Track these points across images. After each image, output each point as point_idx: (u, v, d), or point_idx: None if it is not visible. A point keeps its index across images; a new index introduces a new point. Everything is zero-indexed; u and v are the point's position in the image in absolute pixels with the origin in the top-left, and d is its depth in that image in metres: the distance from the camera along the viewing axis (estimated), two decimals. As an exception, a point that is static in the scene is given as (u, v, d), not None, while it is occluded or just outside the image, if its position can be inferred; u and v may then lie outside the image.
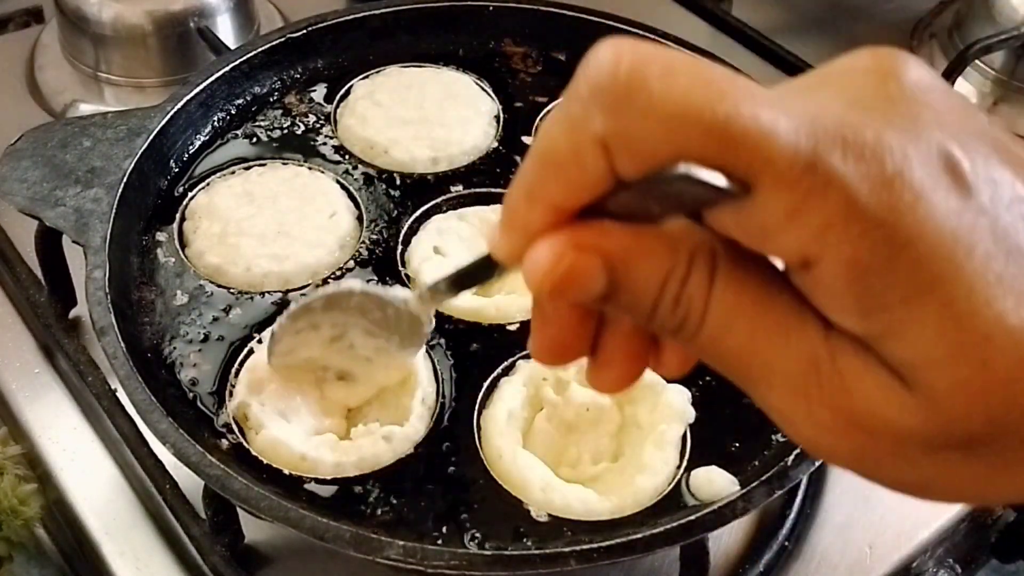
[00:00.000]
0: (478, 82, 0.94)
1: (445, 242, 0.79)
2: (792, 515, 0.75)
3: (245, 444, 0.66)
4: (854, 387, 0.33)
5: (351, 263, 0.77)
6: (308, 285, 0.75)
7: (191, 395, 0.69)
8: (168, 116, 0.81)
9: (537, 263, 0.35)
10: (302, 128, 0.88)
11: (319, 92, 0.92)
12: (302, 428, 0.67)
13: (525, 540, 0.62)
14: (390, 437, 0.66)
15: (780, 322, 0.34)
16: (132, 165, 0.76)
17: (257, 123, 0.88)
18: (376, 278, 0.76)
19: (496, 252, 0.38)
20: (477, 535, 0.62)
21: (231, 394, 0.68)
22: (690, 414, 0.68)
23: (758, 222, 0.32)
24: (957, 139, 0.32)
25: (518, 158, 0.87)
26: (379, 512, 0.63)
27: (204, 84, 0.85)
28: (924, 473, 0.35)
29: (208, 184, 0.82)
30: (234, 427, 0.67)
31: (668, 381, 0.52)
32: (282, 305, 0.74)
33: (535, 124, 0.90)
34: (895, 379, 0.33)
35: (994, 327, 0.31)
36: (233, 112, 0.88)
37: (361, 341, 0.63)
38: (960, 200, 0.31)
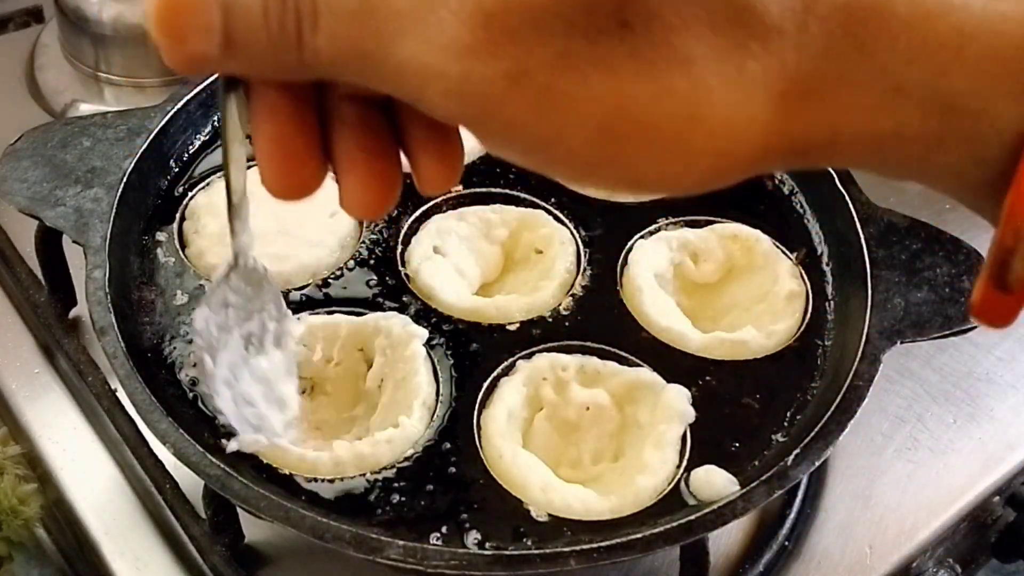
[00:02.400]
0: (478, 82, 0.93)
1: (445, 242, 0.79)
2: (792, 515, 0.75)
3: (245, 444, 0.66)
4: None
5: (351, 263, 0.77)
6: (308, 285, 0.75)
7: (191, 395, 0.68)
8: (168, 116, 0.81)
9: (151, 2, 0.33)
10: (302, 128, 0.88)
11: (319, 92, 0.91)
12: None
13: (525, 540, 0.62)
14: (390, 438, 0.66)
15: None
16: (132, 165, 0.76)
17: (257, 123, 0.88)
18: (376, 278, 0.76)
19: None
20: (477, 535, 0.62)
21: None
22: (690, 414, 0.68)
23: None
24: None
25: (518, 158, 0.87)
26: (379, 512, 0.63)
27: (204, 84, 0.85)
28: (602, 93, 0.31)
29: (208, 184, 0.82)
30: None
31: (429, 194, 0.45)
32: (282, 305, 0.74)
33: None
34: None
35: None
36: (233, 112, 0.88)
37: None
38: None
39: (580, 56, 0.30)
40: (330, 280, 0.76)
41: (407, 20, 0.31)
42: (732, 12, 0.31)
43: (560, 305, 0.76)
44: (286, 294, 0.75)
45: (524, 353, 0.72)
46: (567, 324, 0.75)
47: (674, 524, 0.61)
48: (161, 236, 0.78)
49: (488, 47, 0.30)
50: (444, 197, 0.83)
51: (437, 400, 0.69)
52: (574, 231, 0.81)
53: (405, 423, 0.67)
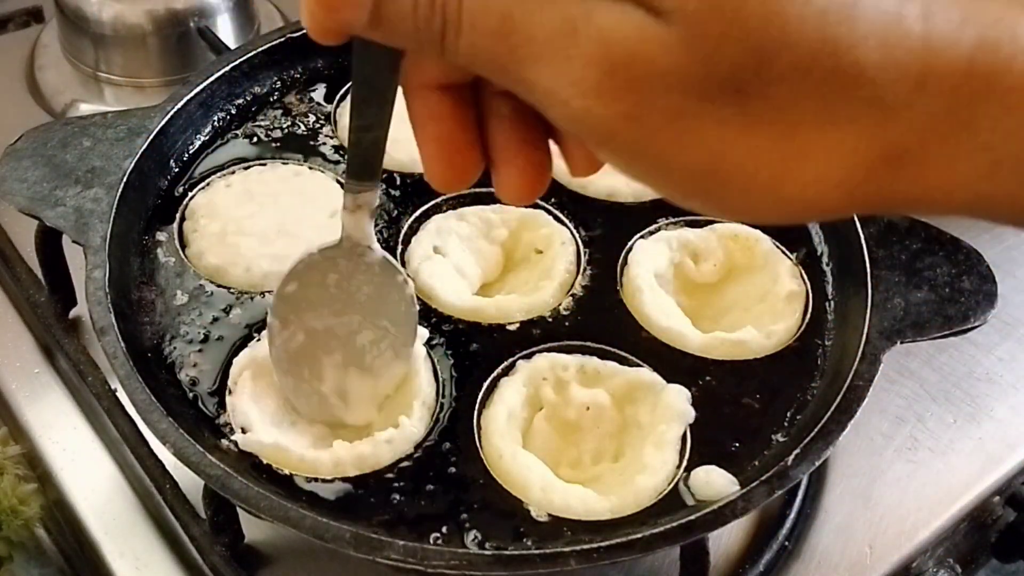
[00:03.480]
0: (478, 82, 0.93)
1: (445, 242, 0.79)
2: (792, 515, 0.75)
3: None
4: (611, 36, 0.33)
5: (351, 263, 0.77)
6: (308, 285, 0.75)
7: (191, 395, 0.69)
8: (168, 116, 0.81)
9: None
10: (302, 128, 0.88)
11: (319, 92, 0.91)
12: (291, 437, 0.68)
13: (525, 540, 0.62)
14: (390, 438, 0.66)
15: None
16: (132, 165, 0.76)
17: (257, 123, 0.88)
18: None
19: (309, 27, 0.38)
20: (477, 535, 0.62)
21: (230, 392, 0.68)
22: (690, 414, 0.68)
23: None
24: None
25: (518, 158, 0.87)
26: (379, 512, 0.63)
27: (204, 84, 0.85)
28: (708, 141, 0.34)
29: (208, 184, 0.82)
30: (234, 426, 0.67)
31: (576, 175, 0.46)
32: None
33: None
34: (650, 16, 0.33)
35: None
36: (233, 112, 0.88)
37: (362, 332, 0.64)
38: None
39: (692, 111, 0.33)
40: (330, 280, 0.76)
41: (542, 49, 0.34)
42: (845, 90, 0.33)
43: (560, 305, 0.76)
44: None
45: (524, 353, 0.72)
46: (567, 324, 0.75)
47: (674, 524, 0.61)
48: (161, 236, 0.78)
49: (610, 91, 0.33)
50: (444, 197, 0.83)
51: (437, 400, 0.69)
52: (574, 231, 0.81)
53: (405, 423, 0.67)
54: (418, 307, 0.67)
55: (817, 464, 0.64)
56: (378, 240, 0.79)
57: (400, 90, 0.43)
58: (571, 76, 0.34)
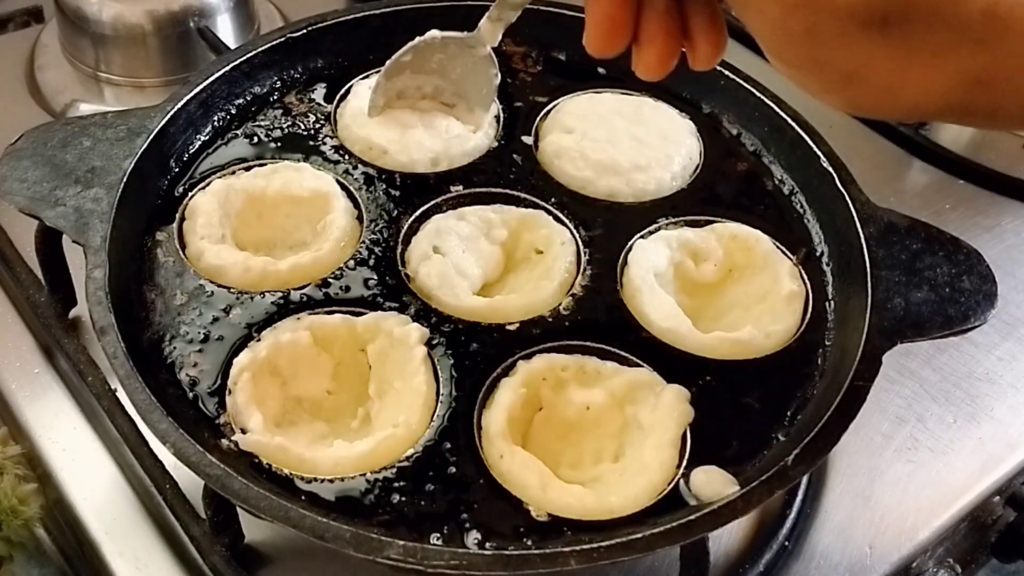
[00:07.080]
0: (478, 82, 0.94)
1: (445, 242, 0.79)
2: (792, 515, 0.75)
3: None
4: None
5: (351, 263, 0.77)
6: (308, 285, 0.75)
7: (191, 395, 0.69)
8: (168, 116, 0.81)
9: None
10: (302, 128, 0.88)
11: (319, 92, 0.92)
12: None
13: (525, 540, 0.62)
14: (390, 437, 0.66)
15: None
16: (132, 165, 0.76)
17: (257, 123, 0.88)
18: (376, 278, 0.76)
19: None
20: (477, 535, 0.62)
21: (230, 392, 0.68)
22: (690, 414, 0.68)
23: None
24: None
25: (518, 158, 0.87)
26: (379, 512, 0.63)
27: (204, 84, 0.85)
28: (858, 53, 0.48)
29: (208, 184, 0.82)
30: (234, 426, 0.67)
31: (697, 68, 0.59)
32: (282, 305, 0.74)
33: (535, 124, 0.90)
34: None
35: None
36: (233, 112, 0.88)
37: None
38: None
39: (852, 32, 0.48)
40: (330, 280, 0.76)
41: None
42: (957, 29, 0.47)
43: (560, 305, 0.76)
44: (286, 294, 0.75)
45: (524, 353, 0.72)
46: (567, 324, 0.75)
47: (674, 524, 0.61)
48: (161, 236, 0.78)
49: (801, 10, 0.48)
50: (444, 197, 0.83)
51: (437, 400, 0.69)
52: (574, 231, 0.81)
53: (405, 423, 0.67)
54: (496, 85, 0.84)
55: (817, 464, 0.64)
56: (378, 240, 0.79)
57: None
58: (770, 15, 0.49)
